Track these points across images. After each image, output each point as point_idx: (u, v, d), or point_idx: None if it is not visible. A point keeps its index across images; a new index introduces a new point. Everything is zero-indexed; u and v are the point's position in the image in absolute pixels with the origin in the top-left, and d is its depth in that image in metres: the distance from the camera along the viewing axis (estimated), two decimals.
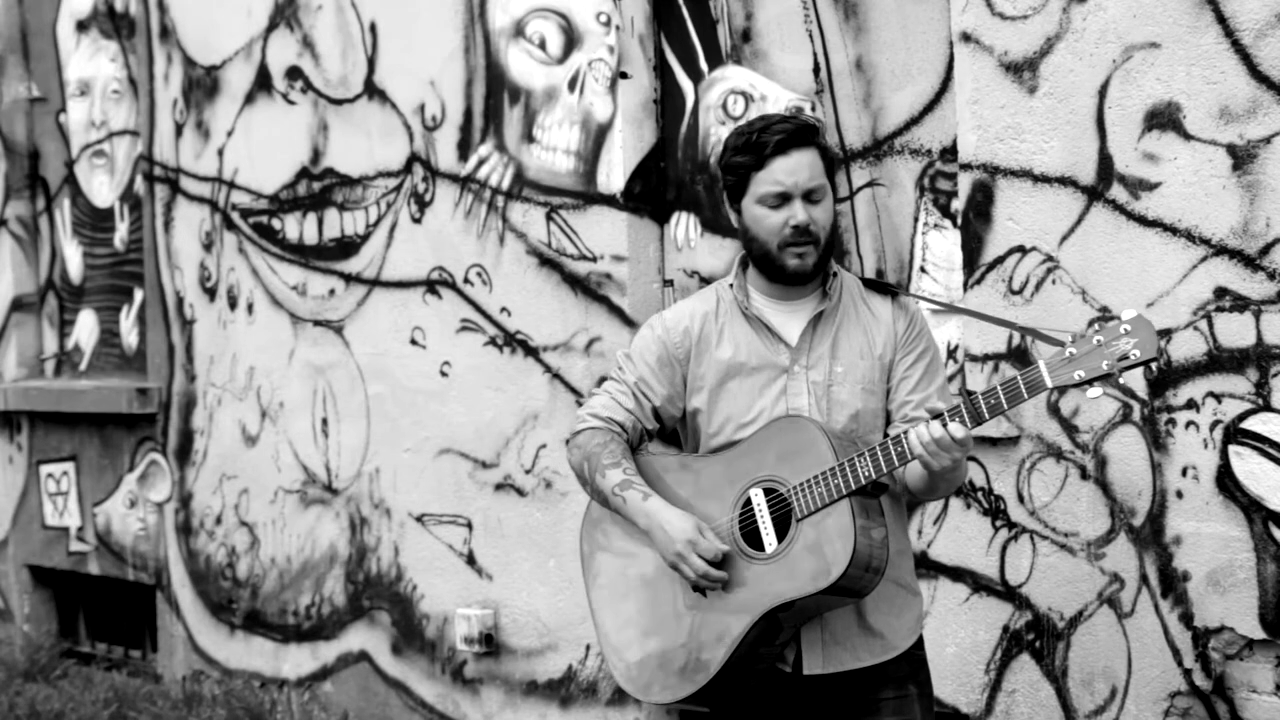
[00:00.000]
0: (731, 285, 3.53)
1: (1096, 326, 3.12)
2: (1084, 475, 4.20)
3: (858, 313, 3.50)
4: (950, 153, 4.57)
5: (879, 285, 3.56)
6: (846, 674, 3.43)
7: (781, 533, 3.33)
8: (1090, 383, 3.10)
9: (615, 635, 3.55)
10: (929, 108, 4.63)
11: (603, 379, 5.27)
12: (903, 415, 3.45)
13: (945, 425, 3.18)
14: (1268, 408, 3.89)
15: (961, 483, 3.49)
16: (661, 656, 3.47)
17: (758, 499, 3.37)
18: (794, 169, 3.37)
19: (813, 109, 4.93)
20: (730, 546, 3.37)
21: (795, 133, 3.39)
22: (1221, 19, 3.92)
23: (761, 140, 3.39)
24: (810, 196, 3.38)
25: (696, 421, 3.55)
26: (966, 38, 4.37)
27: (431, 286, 5.82)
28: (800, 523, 3.31)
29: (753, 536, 3.37)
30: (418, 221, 5.86)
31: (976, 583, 4.42)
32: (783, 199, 3.38)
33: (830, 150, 3.48)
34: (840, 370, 3.44)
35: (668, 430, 3.66)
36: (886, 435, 3.43)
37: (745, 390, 3.47)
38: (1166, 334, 4.03)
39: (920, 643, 3.55)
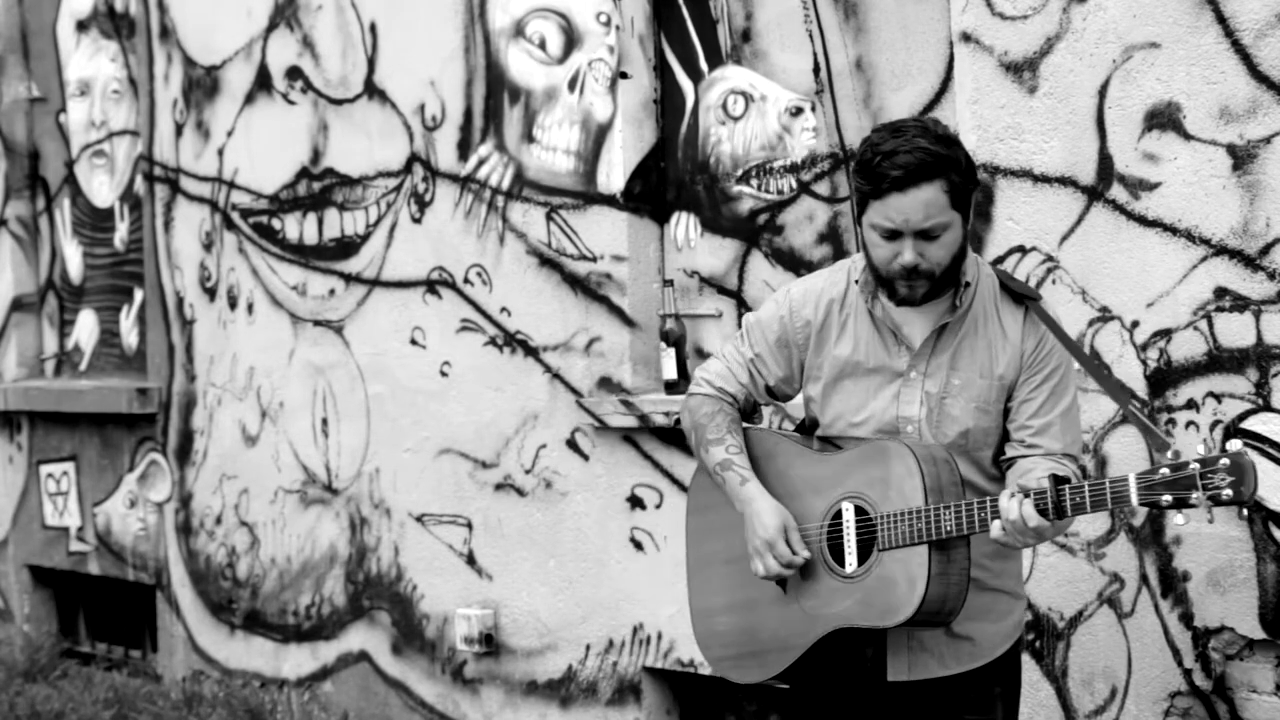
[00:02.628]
0: (858, 281, 3.39)
1: (1200, 453, 2.98)
2: (1084, 475, 4.20)
3: (986, 326, 3.35)
4: None
5: (1015, 293, 3.38)
6: (932, 681, 3.37)
7: (864, 554, 3.28)
8: (1175, 508, 2.99)
9: (702, 599, 3.58)
10: (929, 108, 4.63)
11: (602, 380, 5.26)
12: (1019, 438, 3.33)
13: (1021, 507, 3.07)
14: (1268, 408, 3.89)
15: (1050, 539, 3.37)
16: (736, 635, 3.49)
17: (848, 514, 3.31)
18: (907, 209, 3.17)
19: (813, 109, 4.93)
20: (815, 555, 3.34)
21: (918, 168, 3.15)
22: (1221, 19, 3.91)
23: (880, 171, 3.18)
24: (927, 235, 3.19)
25: (811, 409, 3.49)
26: (966, 38, 4.37)
27: (431, 286, 5.82)
28: (881, 553, 3.25)
29: (837, 550, 3.32)
30: (418, 221, 5.86)
31: None
32: (893, 235, 3.23)
33: (959, 179, 3.20)
34: (957, 384, 3.33)
35: (785, 401, 3.61)
36: (995, 459, 3.34)
37: (859, 390, 3.39)
38: (1166, 334, 4.03)
39: (1018, 643, 3.46)
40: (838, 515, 3.33)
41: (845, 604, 3.29)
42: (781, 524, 3.35)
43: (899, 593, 3.21)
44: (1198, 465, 2.96)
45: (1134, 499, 3.01)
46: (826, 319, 3.43)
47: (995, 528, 3.10)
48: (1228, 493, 2.94)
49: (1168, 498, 2.99)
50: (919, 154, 3.16)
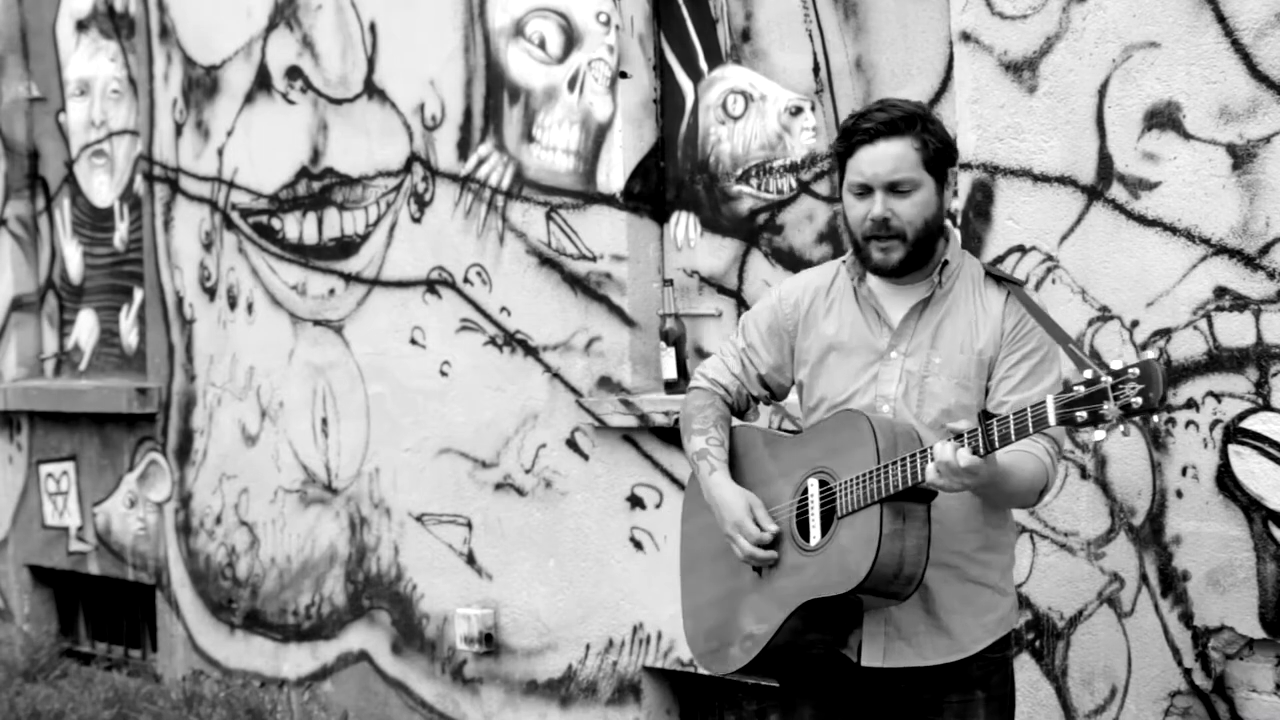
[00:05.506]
0: (846, 263, 3.48)
1: (1112, 367, 3.00)
2: (1084, 475, 4.20)
3: (967, 304, 3.40)
4: None
5: (998, 277, 3.44)
6: (909, 671, 3.37)
7: (827, 526, 3.33)
8: (1092, 425, 3.00)
9: (689, 599, 3.65)
10: (929, 107, 4.63)
11: (602, 380, 5.26)
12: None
13: (955, 451, 3.09)
14: (1267, 407, 3.89)
15: (1027, 499, 3.36)
16: (723, 627, 3.52)
17: (813, 489, 3.36)
18: (876, 160, 3.29)
19: (812, 109, 4.93)
20: (784, 530, 3.39)
21: (887, 123, 3.30)
22: (1221, 19, 3.91)
23: (853, 128, 3.34)
24: (896, 189, 3.30)
25: (801, 394, 3.55)
26: (966, 37, 4.37)
27: (431, 286, 5.82)
28: (840, 521, 3.29)
29: (806, 525, 3.37)
30: (417, 221, 5.86)
31: None
32: (865, 190, 3.32)
33: (933, 141, 3.33)
34: (938, 362, 3.37)
35: (781, 397, 3.65)
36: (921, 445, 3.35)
37: (842, 370, 3.44)
38: (1166, 334, 4.03)
39: (1002, 643, 3.44)
40: (804, 492, 3.38)
41: (808, 576, 3.32)
42: (746, 504, 3.42)
43: (855, 555, 3.23)
44: (1109, 378, 2.98)
45: (1052, 419, 3.01)
46: (813, 303, 3.51)
47: (930, 470, 3.12)
48: (1137, 400, 2.94)
49: (1083, 414, 2.99)
50: (891, 111, 3.33)
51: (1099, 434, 3.00)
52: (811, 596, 3.31)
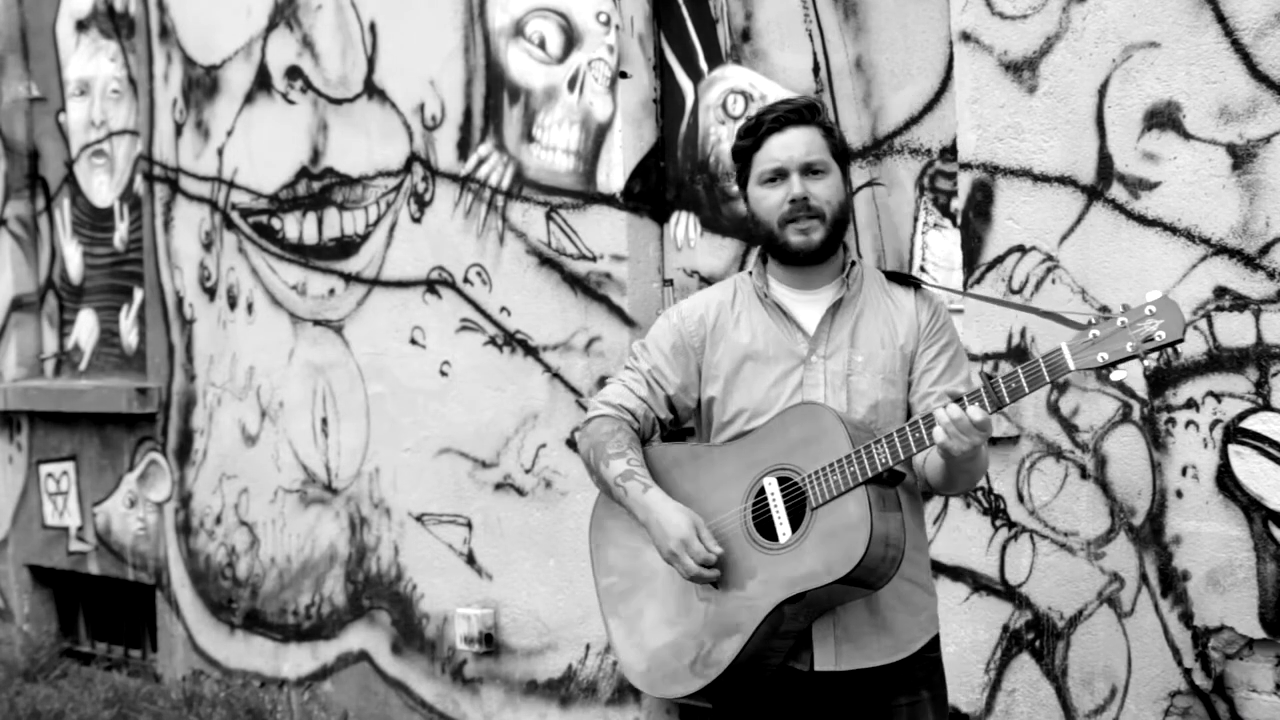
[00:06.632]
0: (751, 274, 3.50)
1: (1123, 308, 3.06)
2: (1084, 475, 4.20)
3: (879, 303, 3.45)
4: (950, 152, 4.57)
5: (900, 277, 3.52)
6: (859, 674, 3.38)
7: (796, 522, 3.29)
8: (1115, 365, 3.04)
9: (625, 629, 3.50)
10: (929, 107, 4.63)
11: (602, 380, 5.26)
12: (925, 407, 3.38)
13: (965, 409, 3.12)
14: (1267, 407, 3.89)
15: (981, 476, 3.44)
16: (672, 650, 3.42)
17: (771, 488, 3.32)
18: (789, 144, 3.37)
19: None
20: (741, 540, 3.34)
21: (792, 112, 3.40)
22: (1221, 18, 3.92)
23: (760, 121, 3.41)
24: (810, 170, 3.37)
25: (711, 411, 3.50)
26: (966, 37, 4.37)
27: (431, 286, 5.83)
28: (815, 511, 3.26)
29: (766, 526, 3.33)
30: (417, 221, 5.86)
31: (976, 582, 4.42)
32: (779, 174, 3.38)
33: (836, 131, 3.45)
34: (860, 360, 3.39)
35: (682, 421, 3.60)
36: (905, 422, 3.38)
37: (761, 380, 3.42)
38: None
39: (935, 643, 3.49)
40: (760, 493, 3.34)
41: (790, 571, 3.27)
42: (691, 522, 3.34)
43: (844, 540, 3.21)
44: (1124, 318, 3.05)
45: (1071, 364, 3.07)
46: (719, 319, 3.50)
47: (938, 433, 3.14)
48: (1160, 334, 3.00)
49: (1104, 355, 3.04)
50: (795, 102, 3.44)
51: (1120, 373, 3.04)
52: (793, 592, 3.26)
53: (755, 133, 3.41)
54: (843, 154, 3.45)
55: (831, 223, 3.38)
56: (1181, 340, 3.03)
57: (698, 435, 3.60)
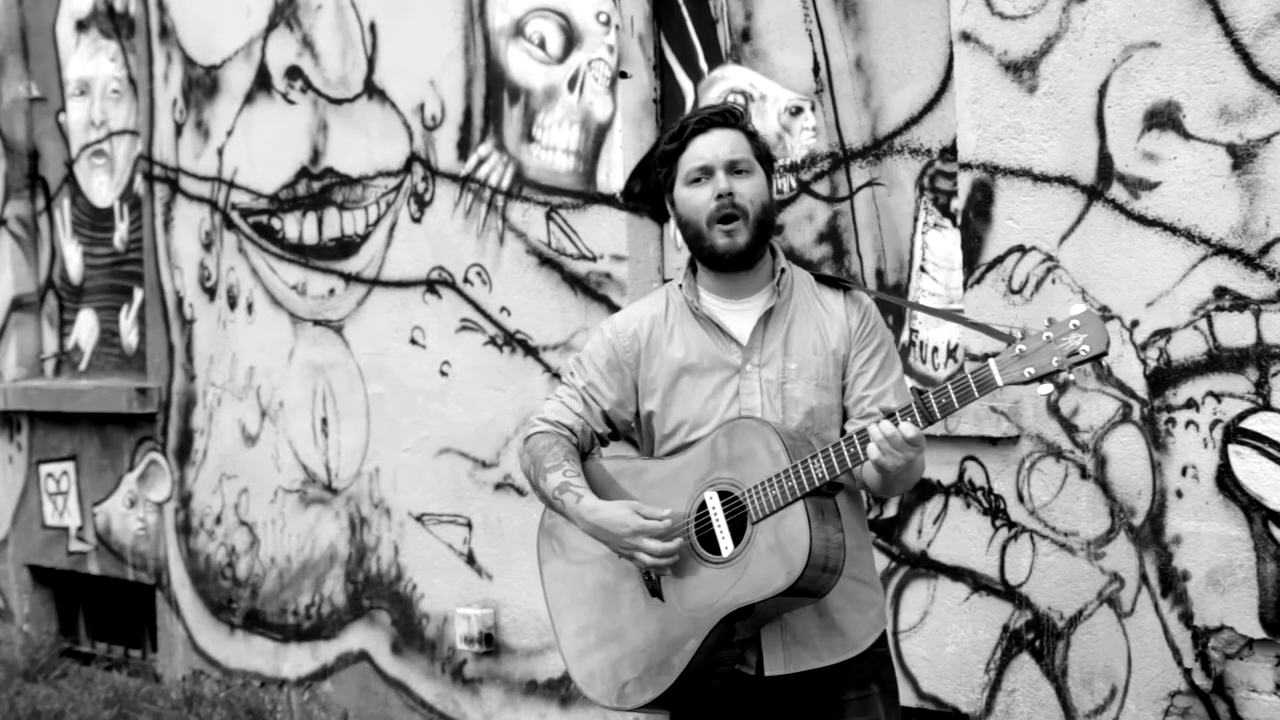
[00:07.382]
0: (680, 286, 3.51)
1: (1047, 323, 3.12)
2: (1084, 475, 4.20)
3: (810, 308, 3.47)
4: (950, 152, 4.57)
5: (831, 280, 3.55)
6: (809, 674, 3.40)
7: (738, 536, 3.31)
8: (1040, 379, 3.09)
9: (575, 642, 3.52)
10: (929, 107, 4.63)
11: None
12: (860, 410, 3.42)
13: (897, 424, 3.16)
14: (1267, 407, 3.89)
15: (916, 480, 3.48)
16: (622, 661, 3.44)
17: (713, 502, 3.34)
18: (714, 144, 3.40)
19: (813, 109, 4.94)
20: (685, 553, 3.34)
21: (716, 115, 3.44)
22: (1221, 18, 3.92)
23: (684, 125, 3.45)
24: (734, 168, 3.40)
25: (651, 425, 3.52)
26: (966, 37, 4.37)
27: (431, 286, 5.82)
28: (756, 525, 3.28)
29: (709, 540, 3.34)
30: (417, 221, 5.86)
31: (976, 582, 4.42)
32: (705, 172, 3.40)
33: (759, 136, 3.49)
34: (794, 367, 3.41)
35: (621, 435, 3.62)
36: (841, 435, 3.39)
37: (698, 392, 3.44)
38: (1166, 334, 4.03)
39: (883, 639, 3.51)
40: (702, 507, 3.36)
41: (731, 587, 3.29)
42: (632, 509, 3.35)
43: (784, 554, 3.23)
44: (1049, 333, 3.10)
45: (999, 379, 3.13)
46: (652, 333, 3.50)
47: (872, 449, 3.18)
48: (1085, 348, 3.06)
49: (1030, 370, 3.10)
50: (717, 107, 3.50)
51: (1046, 388, 3.09)
52: (738, 605, 3.27)
53: (680, 136, 3.44)
54: (767, 158, 3.48)
55: (755, 223, 3.40)
56: (1105, 354, 3.08)
57: (641, 448, 3.61)
